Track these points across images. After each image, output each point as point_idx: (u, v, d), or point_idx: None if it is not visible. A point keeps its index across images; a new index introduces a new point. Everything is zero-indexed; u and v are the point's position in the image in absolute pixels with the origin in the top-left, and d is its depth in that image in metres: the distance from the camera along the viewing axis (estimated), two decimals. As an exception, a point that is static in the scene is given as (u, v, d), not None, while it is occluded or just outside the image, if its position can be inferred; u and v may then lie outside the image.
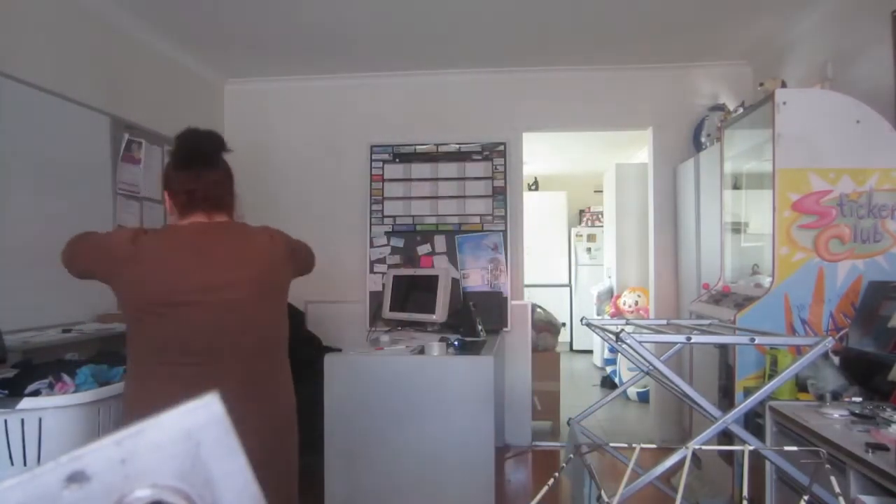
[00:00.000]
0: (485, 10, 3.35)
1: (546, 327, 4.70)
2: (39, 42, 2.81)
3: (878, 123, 2.43)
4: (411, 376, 2.79)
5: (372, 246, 4.30)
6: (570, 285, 8.33)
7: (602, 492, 1.38)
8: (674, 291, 4.23)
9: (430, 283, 3.67)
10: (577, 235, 8.36)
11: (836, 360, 2.18)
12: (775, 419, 1.98)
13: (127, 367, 1.54)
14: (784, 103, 2.45)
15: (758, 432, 2.05)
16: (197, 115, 4.19)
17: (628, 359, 3.38)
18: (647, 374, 2.14)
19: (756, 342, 1.42)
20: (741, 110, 3.11)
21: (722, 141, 3.12)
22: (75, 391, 1.78)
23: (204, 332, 1.46)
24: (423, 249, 4.26)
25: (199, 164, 1.56)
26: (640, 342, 1.38)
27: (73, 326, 2.72)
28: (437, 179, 4.28)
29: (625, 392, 3.82)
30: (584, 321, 2.03)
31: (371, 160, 4.34)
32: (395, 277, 3.94)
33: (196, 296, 1.46)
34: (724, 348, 2.60)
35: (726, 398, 2.54)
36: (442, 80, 4.38)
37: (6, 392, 1.76)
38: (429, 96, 4.40)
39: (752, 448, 1.11)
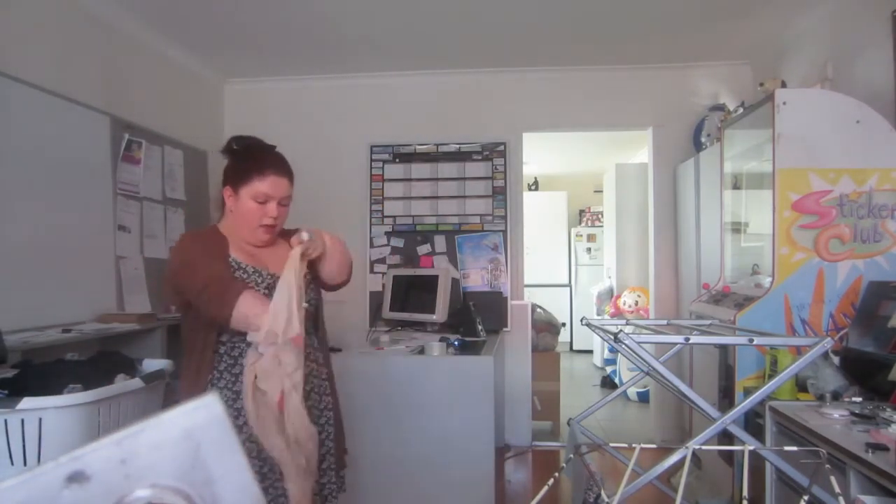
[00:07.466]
0: (485, 9, 3.35)
1: (546, 327, 4.70)
2: (39, 42, 2.81)
3: (878, 123, 2.43)
4: (411, 376, 2.79)
5: (372, 246, 4.30)
6: (570, 285, 8.33)
7: (602, 492, 1.38)
8: (674, 291, 4.22)
9: (430, 283, 3.67)
10: (577, 235, 8.36)
11: (836, 360, 2.18)
12: (775, 419, 1.97)
13: None
14: (784, 103, 2.45)
15: (758, 432, 2.05)
16: (197, 115, 4.19)
17: (628, 359, 3.38)
18: (647, 374, 2.14)
19: (755, 343, 1.41)
20: (741, 110, 3.11)
21: (722, 141, 3.12)
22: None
23: None
24: (423, 249, 4.26)
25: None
26: (638, 342, 1.38)
27: (73, 326, 2.71)
28: (437, 179, 4.28)
29: (625, 392, 3.82)
30: (583, 321, 2.03)
31: (371, 160, 4.34)
32: (395, 277, 3.94)
33: None
34: (724, 348, 2.60)
35: (726, 398, 2.54)
36: (442, 80, 4.38)
37: (6, 392, 1.76)
38: (428, 96, 4.40)
39: (751, 448, 1.11)
